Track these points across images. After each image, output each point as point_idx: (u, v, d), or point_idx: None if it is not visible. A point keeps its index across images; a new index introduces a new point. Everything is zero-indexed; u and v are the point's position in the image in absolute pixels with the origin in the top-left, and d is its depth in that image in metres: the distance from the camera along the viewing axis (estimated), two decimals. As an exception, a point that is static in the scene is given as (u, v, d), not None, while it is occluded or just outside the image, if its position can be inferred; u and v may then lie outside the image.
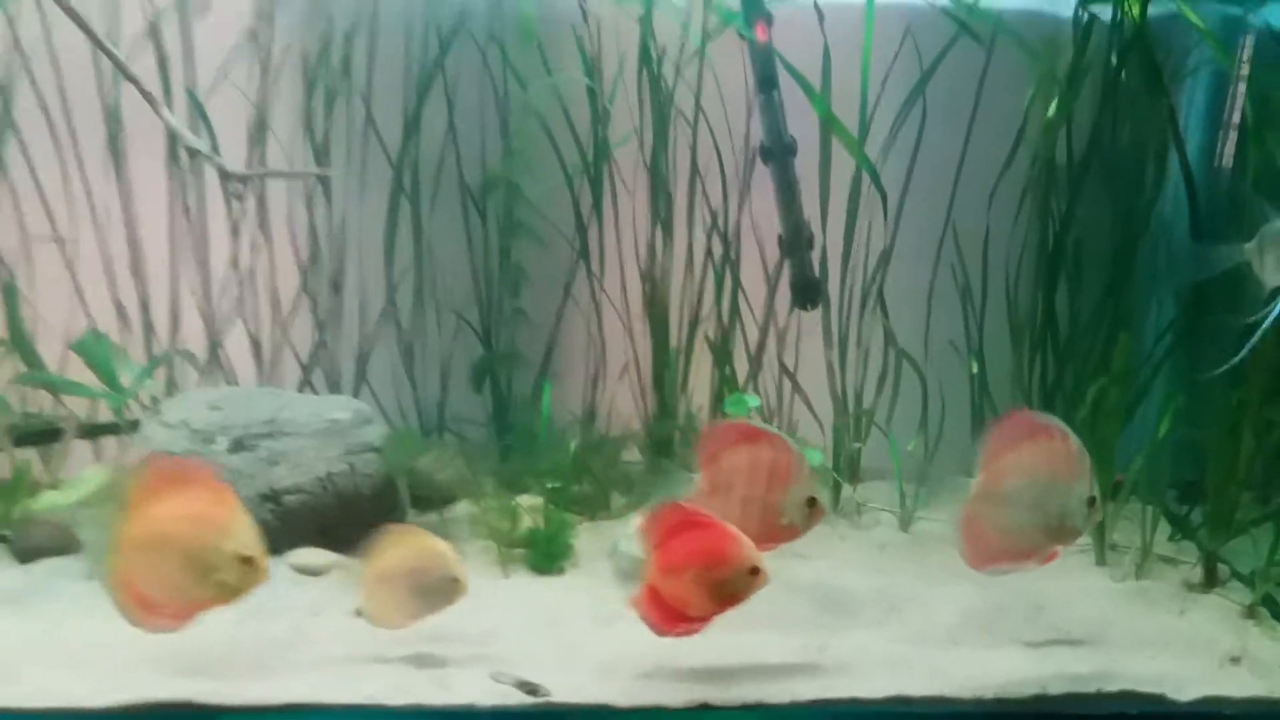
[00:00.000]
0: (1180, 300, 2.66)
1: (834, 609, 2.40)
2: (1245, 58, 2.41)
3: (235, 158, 2.84)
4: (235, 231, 2.93)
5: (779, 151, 2.80)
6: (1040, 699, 2.14)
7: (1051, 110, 2.81)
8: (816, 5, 2.72)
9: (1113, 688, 2.17)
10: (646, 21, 2.74)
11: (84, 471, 2.70)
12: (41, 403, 2.86)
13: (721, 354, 2.93)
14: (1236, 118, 2.51)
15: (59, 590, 2.36)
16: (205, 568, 1.95)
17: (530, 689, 2.06)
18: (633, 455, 3.00)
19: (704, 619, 2.08)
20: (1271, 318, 2.12)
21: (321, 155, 2.92)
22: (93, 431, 2.78)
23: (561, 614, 2.31)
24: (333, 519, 2.59)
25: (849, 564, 2.54)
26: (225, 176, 2.63)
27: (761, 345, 2.98)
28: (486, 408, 3.06)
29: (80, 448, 2.80)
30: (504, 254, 2.95)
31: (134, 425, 2.68)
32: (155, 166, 2.87)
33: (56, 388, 2.78)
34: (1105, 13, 2.75)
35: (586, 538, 2.65)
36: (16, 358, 2.80)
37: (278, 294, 2.99)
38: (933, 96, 2.86)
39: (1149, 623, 2.42)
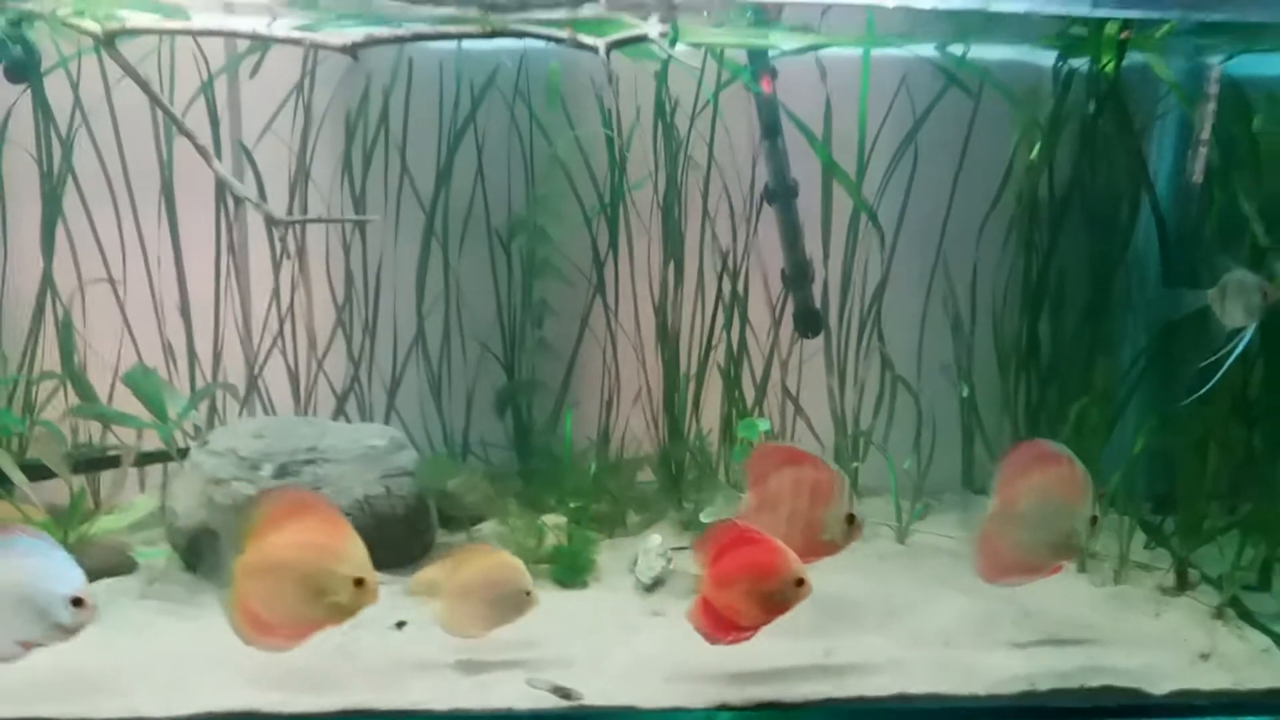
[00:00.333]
0: (1152, 335, 2.83)
1: (838, 615, 2.49)
2: (1209, 116, 2.58)
3: (279, 204, 2.92)
4: (275, 272, 3.00)
5: (783, 193, 2.92)
6: (1028, 694, 2.27)
7: (1034, 154, 2.91)
8: (819, 61, 2.85)
9: (1094, 683, 2.29)
10: (662, 76, 2.85)
11: (136, 498, 2.83)
12: (91, 432, 2.96)
13: (732, 380, 3.02)
14: (1200, 173, 2.66)
15: (115, 609, 2.42)
16: (320, 590, 2.03)
17: (563, 693, 2.17)
18: (647, 476, 3.07)
19: (753, 628, 2.18)
20: (1234, 356, 2.31)
21: (359, 202, 2.99)
22: (146, 459, 2.85)
23: (588, 623, 2.40)
24: (370, 538, 2.61)
25: (851, 574, 2.65)
26: (271, 222, 2.71)
27: (767, 372, 3.07)
28: (509, 433, 3.12)
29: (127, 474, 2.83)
30: (527, 290, 3.02)
31: (183, 453, 2.74)
32: (203, 213, 2.94)
33: (108, 419, 2.88)
34: (1084, 64, 2.86)
35: (606, 553, 2.74)
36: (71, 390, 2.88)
37: (315, 329, 3.05)
38: (925, 140, 2.97)
39: (1127, 624, 2.54)
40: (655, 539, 2.69)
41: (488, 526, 2.89)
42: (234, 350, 3.05)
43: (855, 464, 3.03)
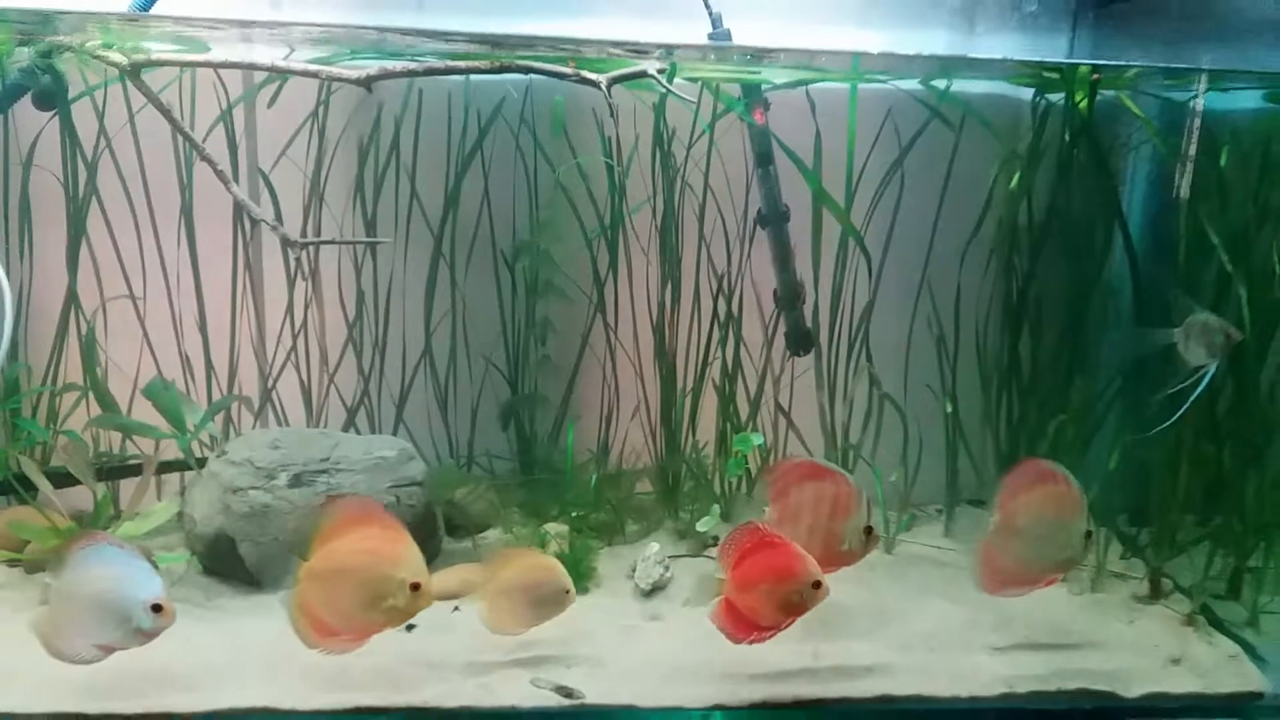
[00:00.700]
0: (1126, 366, 2.93)
1: (827, 621, 2.55)
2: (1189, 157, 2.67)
3: (294, 226, 3.01)
4: (290, 290, 3.06)
5: (775, 218, 2.98)
6: (1007, 696, 2.37)
7: (1014, 182, 2.99)
8: (808, 94, 2.92)
9: (1070, 686, 2.38)
10: (660, 107, 2.93)
11: (156, 505, 2.87)
12: (113, 442, 3.03)
13: (726, 397, 3.09)
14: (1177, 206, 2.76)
15: None
16: (378, 594, 2.10)
17: (566, 692, 2.26)
18: (645, 487, 3.14)
19: (774, 628, 2.26)
20: (1197, 392, 2.43)
21: (371, 224, 3.04)
22: (166, 468, 2.90)
23: (589, 627, 2.47)
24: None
25: (840, 581, 2.65)
26: (286, 243, 2.73)
27: (760, 388, 3.14)
28: (513, 445, 3.19)
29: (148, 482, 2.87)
30: (531, 309, 3.08)
31: (201, 462, 2.82)
32: (221, 233, 3.00)
33: (129, 429, 2.95)
34: (1060, 99, 2.94)
35: (606, 561, 2.82)
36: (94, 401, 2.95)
37: (327, 345, 3.11)
38: (911, 169, 3.04)
39: (1102, 630, 2.63)
40: (653, 547, 2.78)
41: (492, 535, 2.95)
42: (249, 364, 3.10)
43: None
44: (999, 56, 2.87)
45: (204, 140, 2.76)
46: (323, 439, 2.83)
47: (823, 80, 2.93)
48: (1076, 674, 2.42)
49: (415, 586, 2.12)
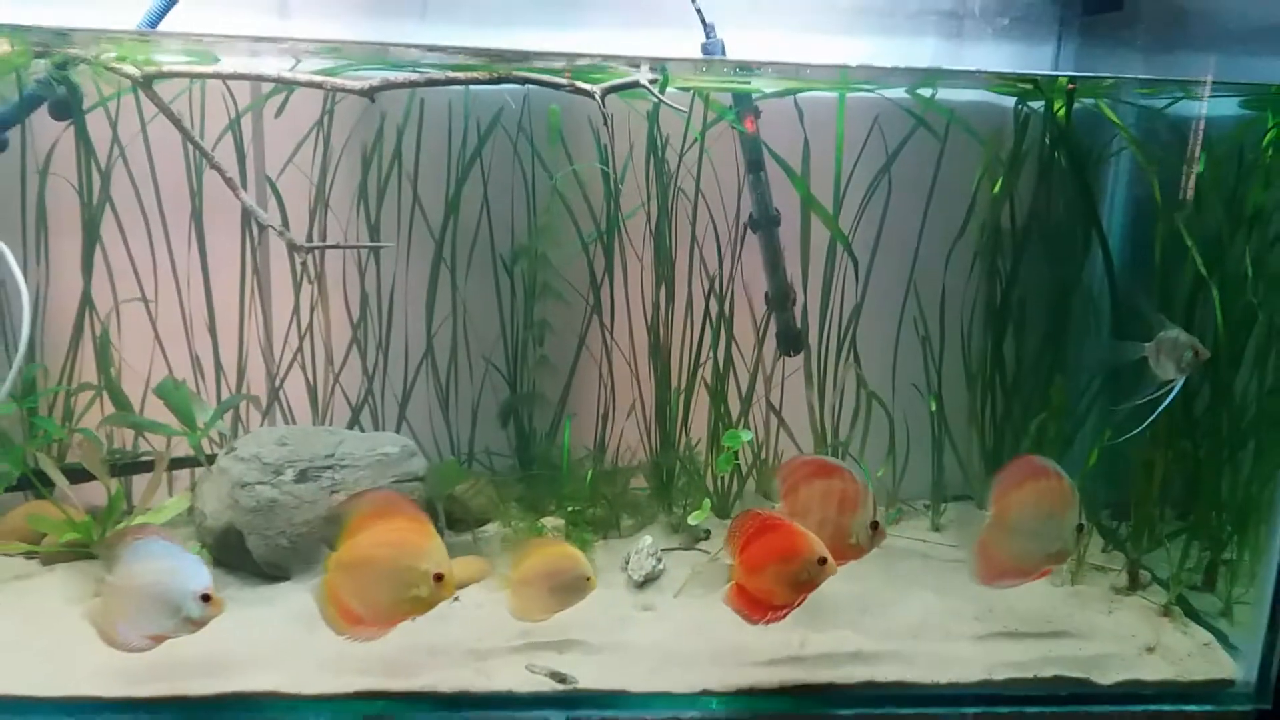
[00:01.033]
0: (1101, 373, 3.01)
1: (814, 611, 2.60)
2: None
3: (300, 231, 3.05)
4: (296, 293, 3.12)
5: (766, 222, 3.03)
6: (986, 683, 2.44)
7: (997, 187, 3.06)
8: (796, 103, 2.99)
9: (1047, 673, 2.45)
10: (653, 115, 2.99)
11: (167, 500, 2.96)
12: (126, 439, 3.11)
13: (718, 395, 3.15)
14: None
15: None
16: (404, 584, 2.17)
17: (559, 678, 2.33)
18: (639, 483, 3.20)
19: (786, 606, 2.32)
20: (1165, 403, 2.51)
21: (374, 230, 3.10)
22: (177, 464, 2.98)
23: (583, 617, 2.50)
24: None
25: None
26: (293, 248, 2.82)
27: (752, 387, 3.20)
28: (512, 442, 3.25)
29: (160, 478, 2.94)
30: (529, 310, 3.14)
31: (210, 459, 2.88)
32: (230, 239, 3.06)
33: (141, 427, 3.01)
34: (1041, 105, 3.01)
35: (601, 553, 2.90)
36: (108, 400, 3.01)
37: (332, 346, 3.17)
38: (897, 174, 3.10)
39: (1081, 620, 2.70)
40: (646, 540, 2.86)
41: (492, 528, 3.03)
42: (257, 364, 3.16)
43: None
44: (973, 68, 2.94)
45: (213, 148, 2.86)
46: (328, 436, 2.89)
47: (811, 90, 3.00)
48: (1054, 662, 2.49)
49: (439, 577, 2.19)
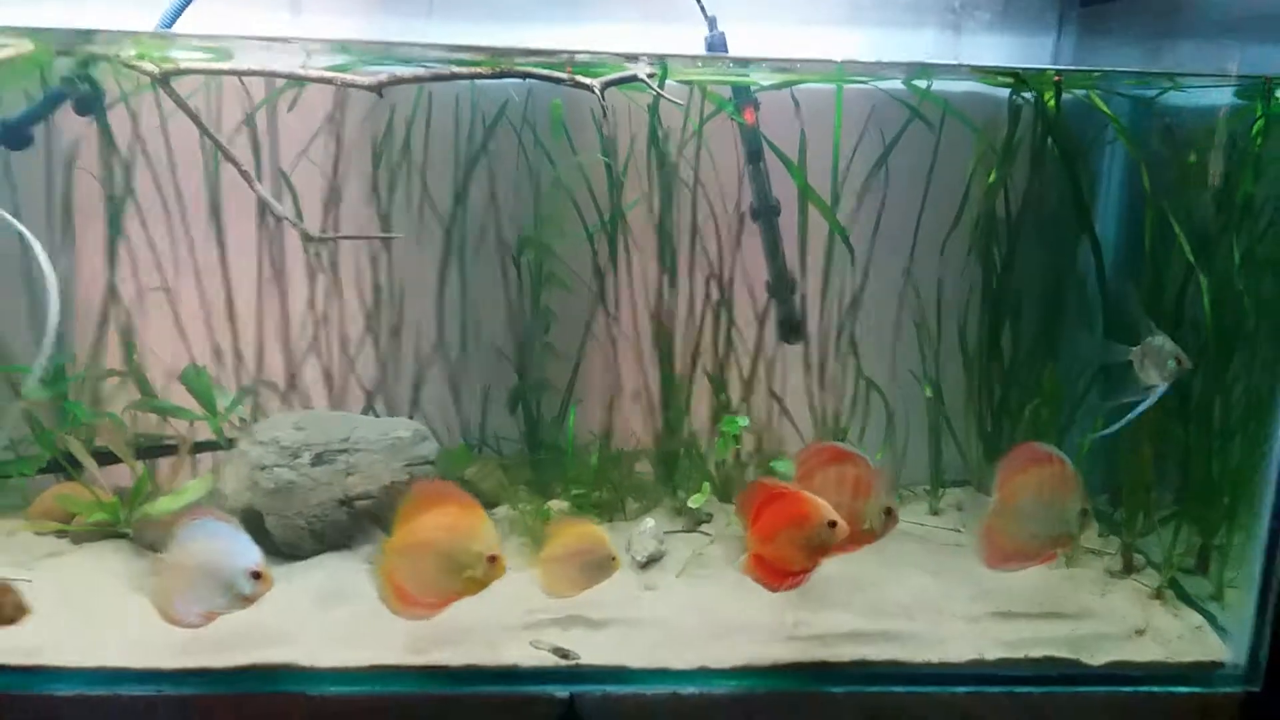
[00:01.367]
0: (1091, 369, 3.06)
1: (810, 592, 2.63)
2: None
3: (314, 222, 3.13)
4: (311, 282, 3.20)
5: (766, 211, 3.06)
6: (977, 662, 2.49)
7: (991, 177, 3.09)
8: (793, 96, 3.02)
9: (1038, 654, 2.50)
10: (654, 108, 3.03)
11: (190, 482, 2.99)
12: (150, 423, 3.16)
13: (718, 383, 3.22)
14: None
15: None
16: (458, 566, 2.27)
17: (562, 654, 2.41)
18: (644, 467, 3.26)
19: (804, 571, 2.39)
20: (1143, 407, 2.57)
21: (385, 220, 3.17)
22: (199, 447, 3.06)
23: (587, 595, 2.55)
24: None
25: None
26: (307, 239, 2.93)
27: (753, 373, 3.25)
28: (520, 427, 3.30)
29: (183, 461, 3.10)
30: (535, 299, 3.20)
31: (231, 442, 2.97)
32: (247, 230, 3.13)
33: (165, 412, 3.08)
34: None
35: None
36: (133, 386, 3.13)
37: (346, 334, 3.26)
38: (894, 164, 3.13)
39: (1074, 602, 2.73)
40: (649, 523, 2.92)
41: (500, 511, 3.07)
42: (274, 352, 3.24)
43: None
44: (954, 62, 2.96)
45: (229, 142, 2.92)
46: (343, 421, 2.97)
47: (807, 82, 3.04)
48: (1045, 643, 2.54)
49: (492, 558, 2.28)
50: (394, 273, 3.25)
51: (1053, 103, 2.90)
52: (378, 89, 2.57)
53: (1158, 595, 2.80)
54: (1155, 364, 2.58)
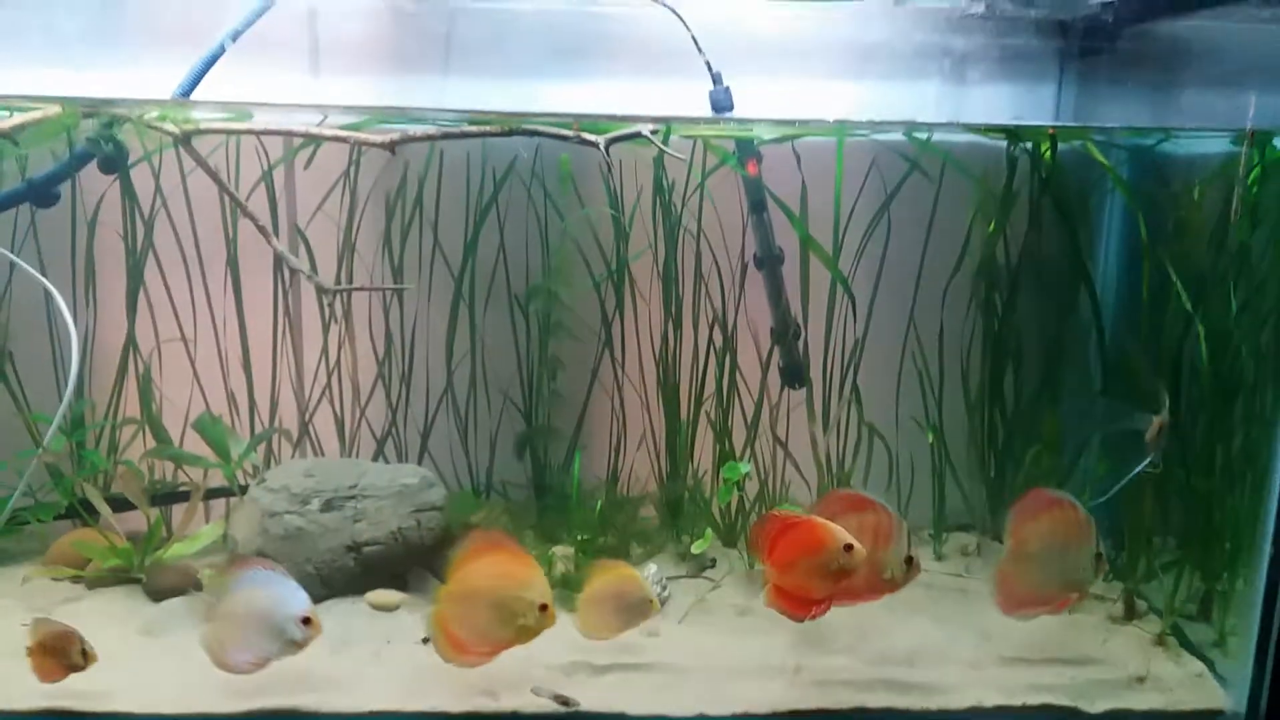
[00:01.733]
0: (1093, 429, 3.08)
1: (811, 638, 2.71)
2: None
3: (328, 274, 3.19)
4: (325, 332, 3.26)
5: (769, 260, 3.12)
6: (975, 710, 2.49)
7: (991, 227, 3.14)
8: (794, 149, 3.08)
9: (1036, 701, 2.50)
10: (659, 161, 3.10)
11: (203, 528, 3.09)
12: (165, 471, 3.23)
13: (721, 429, 3.24)
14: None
15: (184, 623, 2.57)
16: (510, 614, 2.31)
17: (563, 700, 2.43)
18: (649, 512, 3.28)
19: (828, 598, 2.37)
20: (1132, 475, 2.60)
21: (398, 272, 3.23)
22: (212, 494, 3.12)
23: (589, 641, 2.55)
24: (402, 566, 2.90)
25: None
26: (321, 291, 3.00)
27: (757, 418, 3.26)
28: (527, 473, 3.35)
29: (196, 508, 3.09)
30: (543, 347, 3.24)
31: (244, 489, 3.01)
32: (263, 282, 3.20)
33: (180, 459, 3.15)
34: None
35: None
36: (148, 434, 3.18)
37: (358, 382, 3.32)
38: (895, 213, 3.18)
39: (1075, 649, 2.74)
40: (651, 568, 2.94)
41: None
42: (288, 400, 3.30)
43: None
44: (946, 120, 3.03)
45: (247, 198, 3.01)
46: (352, 468, 3.02)
47: (809, 136, 3.10)
48: (1044, 690, 2.54)
49: (543, 608, 2.31)
50: (406, 322, 3.31)
51: (1049, 155, 2.94)
52: (390, 146, 2.66)
53: (1159, 642, 2.80)
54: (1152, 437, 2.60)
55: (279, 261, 3.16)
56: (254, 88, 2.81)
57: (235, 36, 2.65)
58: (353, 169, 3.18)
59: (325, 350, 3.30)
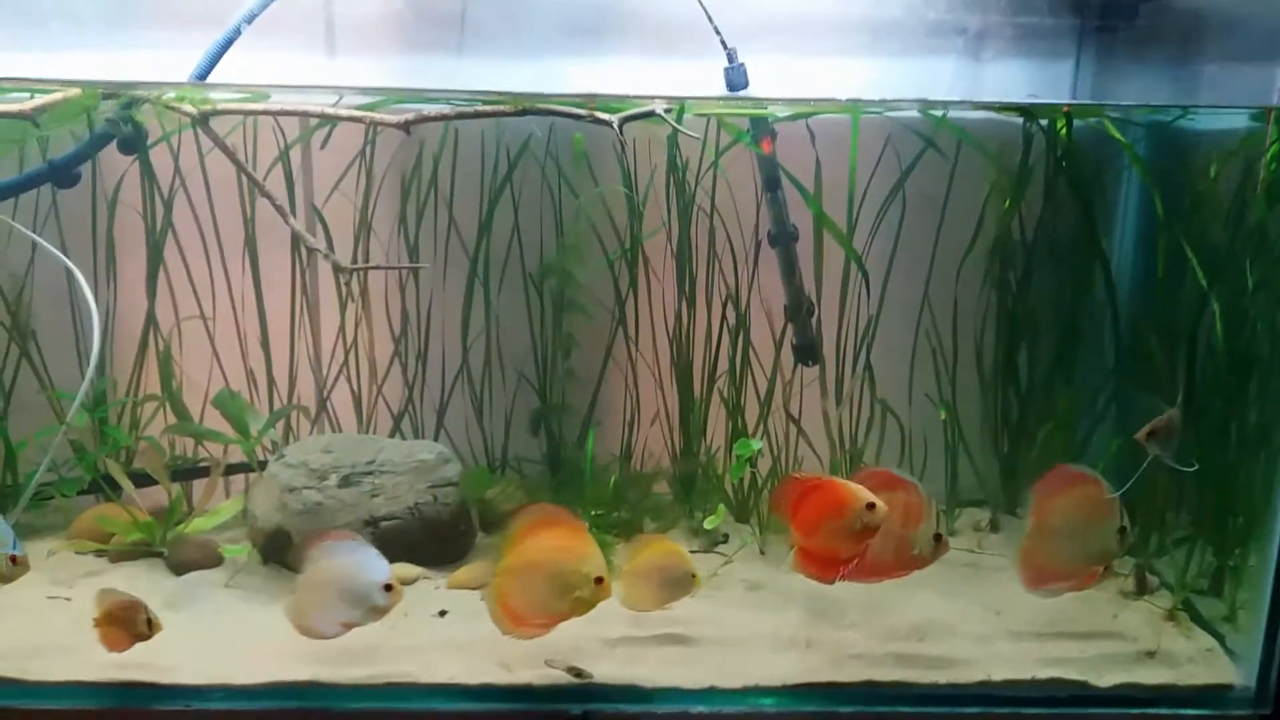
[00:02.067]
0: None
1: (821, 612, 2.74)
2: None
3: (344, 253, 3.21)
4: (342, 310, 3.28)
5: (783, 237, 3.11)
6: (984, 684, 2.51)
7: (1006, 204, 3.13)
8: (808, 126, 3.07)
9: (1046, 675, 2.52)
10: (672, 139, 3.10)
11: (223, 503, 3.12)
12: (186, 447, 3.28)
13: (734, 407, 3.26)
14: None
15: (205, 596, 2.79)
16: (566, 587, 2.34)
17: (576, 673, 2.46)
18: (662, 488, 3.31)
19: (854, 557, 2.36)
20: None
21: (413, 251, 3.24)
22: (231, 470, 3.16)
23: (603, 613, 2.50)
24: (419, 540, 2.92)
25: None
26: (338, 269, 3.02)
27: (770, 395, 3.27)
28: (542, 449, 3.39)
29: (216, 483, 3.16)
30: (557, 324, 3.28)
31: (263, 465, 3.06)
32: (281, 261, 3.22)
33: (200, 435, 3.19)
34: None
35: (623, 556, 2.83)
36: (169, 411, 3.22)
37: (375, 359, 3.34)
38: (910, 191, 3.16)
39: (1086, 623, 2.74)
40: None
41: None
42: (306, 377, 3.33)
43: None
44: (964, 99, 3.01)
45: (264, 178, 3.01)
46: (369, 444, 3.05)
47: (823, 113, 3.10)
48: (1054, 664, 2.55)
49: (599, 580, 2.35)
50: (422, 301, 3.33)
51: (1064, 132, 2.93)
52: (405, 126, 2.68)
53: (1170, 617, 2.80)
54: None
55: (296, 241, 3.18)
56: (270, 69, 2.82)
57: (251, 19, 2.66)
58: (368, 149, 3.18)
59: (342, 328, 3.31)
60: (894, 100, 2.95)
